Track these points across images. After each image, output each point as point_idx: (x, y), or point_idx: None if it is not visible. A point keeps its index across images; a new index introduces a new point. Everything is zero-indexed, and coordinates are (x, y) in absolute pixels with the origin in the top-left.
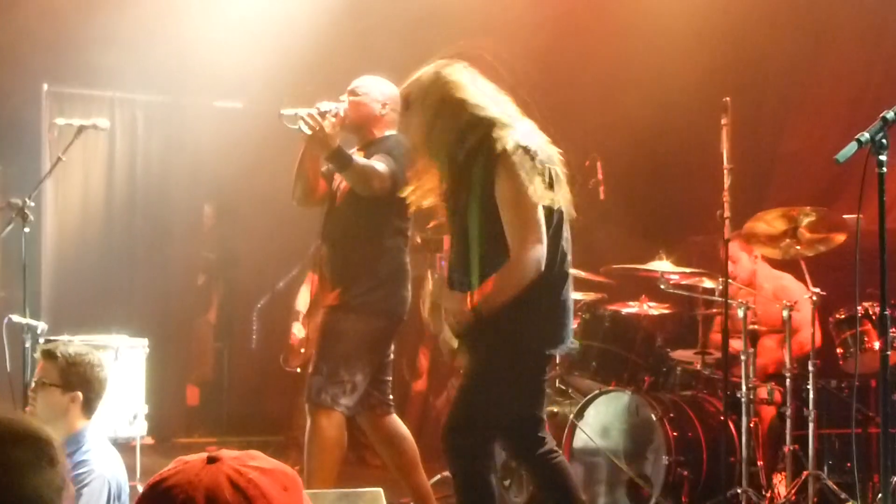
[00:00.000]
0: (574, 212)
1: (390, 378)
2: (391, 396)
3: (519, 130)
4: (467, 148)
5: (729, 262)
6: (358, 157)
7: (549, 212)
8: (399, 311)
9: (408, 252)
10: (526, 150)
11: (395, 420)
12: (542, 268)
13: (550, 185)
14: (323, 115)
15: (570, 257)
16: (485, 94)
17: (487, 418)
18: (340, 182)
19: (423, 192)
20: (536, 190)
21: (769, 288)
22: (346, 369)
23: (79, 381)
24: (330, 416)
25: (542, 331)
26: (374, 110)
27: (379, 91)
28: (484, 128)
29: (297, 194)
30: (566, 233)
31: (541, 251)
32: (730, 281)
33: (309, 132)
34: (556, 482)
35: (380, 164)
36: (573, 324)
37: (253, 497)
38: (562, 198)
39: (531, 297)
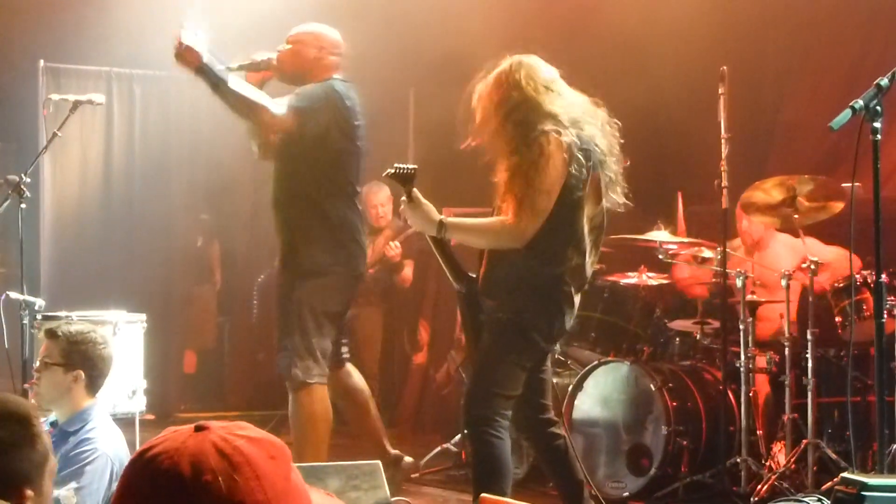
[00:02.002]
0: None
1: (346, 339)
2: (345, 350)
3: (574, 132)
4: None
5: (743, 219)
6: (242, 86)
7: (571, 213)
8: (349, 265)
9: (356, 205)
10: (570, 147)
11: (347, 373)
12: (520, 245)
13: (592, 190)
14: (257, 64)
15: (588, 271)
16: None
17: (500, 391)
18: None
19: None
20: (555, 180)
21: (786, 254)
22: (309, 339)
23: (81, 360)
24: (310, 391)
25: (543, 325)
26: (308, 56)
27: (314, 37)
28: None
29: (255, 150)
30: (589, 255)
31: (527, 230)
32: (728, 251)
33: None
34: (558, 464)
35: (275, 103)
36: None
37: (238, 464)
38: (590, 209)
39: (544, 292)
